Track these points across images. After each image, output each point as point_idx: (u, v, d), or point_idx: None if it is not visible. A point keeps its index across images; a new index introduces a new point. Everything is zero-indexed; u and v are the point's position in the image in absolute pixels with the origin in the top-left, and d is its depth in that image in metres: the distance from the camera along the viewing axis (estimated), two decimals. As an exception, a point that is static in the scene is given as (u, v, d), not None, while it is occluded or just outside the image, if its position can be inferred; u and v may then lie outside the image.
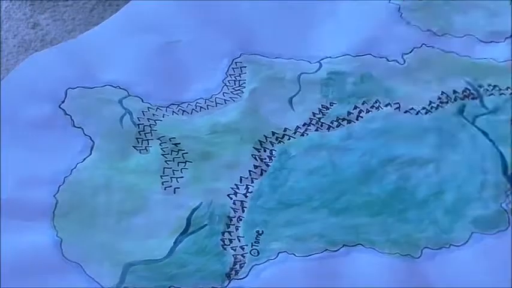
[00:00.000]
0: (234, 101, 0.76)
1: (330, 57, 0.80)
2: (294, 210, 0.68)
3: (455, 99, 0.76)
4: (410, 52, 0.80)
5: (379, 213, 0.67)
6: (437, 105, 0.76)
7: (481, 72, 0.78)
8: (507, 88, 0.76)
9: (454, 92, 0.77)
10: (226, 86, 0.78)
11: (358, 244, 0.66)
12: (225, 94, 0.77)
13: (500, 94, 0.76)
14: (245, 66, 0.79)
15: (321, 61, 0.80)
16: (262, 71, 0.78)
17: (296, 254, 0.65)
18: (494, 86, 0.77)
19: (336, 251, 0.65)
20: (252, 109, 0.75)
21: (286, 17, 0.82)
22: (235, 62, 0.79)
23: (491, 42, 0.81)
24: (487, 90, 0.77)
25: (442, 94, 0.77)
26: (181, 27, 0.82)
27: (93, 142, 0.72)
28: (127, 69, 0.79)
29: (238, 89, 0.77)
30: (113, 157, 0.71)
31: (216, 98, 0.77)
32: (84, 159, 0.71)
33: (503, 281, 0.63)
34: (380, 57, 0.80)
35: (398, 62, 0.79)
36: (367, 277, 0.63)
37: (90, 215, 0.67)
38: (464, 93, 0.76)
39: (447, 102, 0.76)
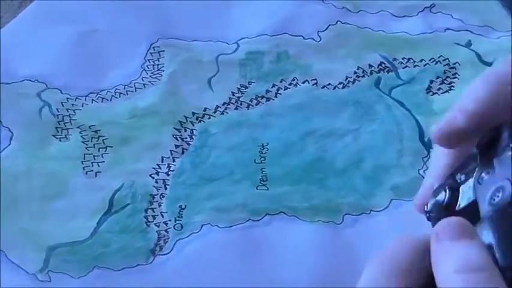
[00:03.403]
0: (153, 84, 0.76)
1: (247, 37, 0.80)
2: (216, 183, 0.68)
3: (371, 73, 0.77)
4: (326, 29, 0.81)
5: (299, 181, 0.68)
6: (354, 79, 0.77)
7: (395, 46, 0.80)
8: (421, 60, 0.78)
9: (370, 66, 0.78)
10: (145, 70, 0.78)
11: (281, 212, 0.66)
12: (144, 79, 0.77)
13: (415, 66, 0.78)
14: (163, 50, 0.79)
15: (238, 42, 0.80)
16: (180, 54, 0.79)
17: (219, 226, 0.65)
18: (409, 59, 0.78)
19: (259, 220, 0.65)
20: (171, 91, 0.76)
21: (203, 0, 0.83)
22: (153, 47, 0.79)
23: (404, 16, 0.82)
24: (402, 63, 0.78)
25: (358, 69, 0.78)
26: (97, 16, 0.82)
27: (12, 133, 0.72)
28: (45, 63, 0.78)
29: (157, 73, 0.77)
30: (33, 146, 0.71)
31: (135, 83, 0.77)
32: (4, 149, 0.71)
33: None
34: (296, 36, 0.81)
35: (314, 40, 0.80)
36: (290, 245, 0.64)
37: (12, 203, 0.67)
38: (380, 66, 0.78)
39: (363, 76, 0.77)
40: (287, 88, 0.76)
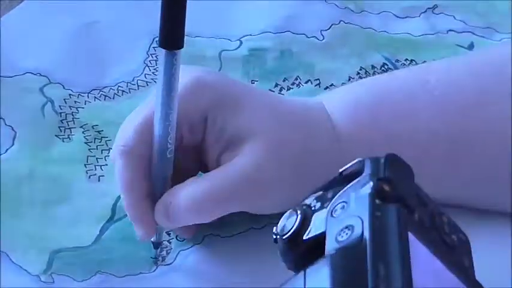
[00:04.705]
0: (156, 82, 0.76)
1: (250, 34, 0.80)
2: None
3: (373, 74, 0.77)
4: (329, 29, 0.81)
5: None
6: (357, 80, 0.77)
7: (398, 47, 0.80)
8: (423, 62, 0.78)
9: (373, 67, 0.78)
10: (148, 66, 0.78)
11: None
12: (146, 76, 0.77)
13: (417, 67, 0.78)
14: (166, 46, 0.79)
15: (241, 39, 0.80)
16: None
17: (221, 235, 0.66)
18: (411, 60, 0.78)
19: (260, 228, 0.66)
20: (174, 89, 0.75)
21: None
22: (156, 41, 0.79)
23: (406, 17, 0.82)
24: (404, 64, 0.78)
25: (361, 69, 0.78)
26: (99, 7, 0.82)
27: (15, 132, 0.72)
28: (46, 55, 0.78)
29: (160, 69, 0.77)
30: (36, 147, 0.71)
31: (138, 80, 0.77)
32: (7, 150, 0.71)
33: None
34: (299, 34, 0.81)
35: (317, 38, 0.80)
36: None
37: (15, 205, 0.67)
38: (383, 68, 0.78)
39: (366, 77, 0.77)
40: (290, 88, 0.76)
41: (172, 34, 0.57)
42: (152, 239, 0.64)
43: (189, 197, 0.60)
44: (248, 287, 0.62)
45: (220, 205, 0.60)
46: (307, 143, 0.62)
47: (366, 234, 0.40)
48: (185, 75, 0.62)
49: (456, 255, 0.46)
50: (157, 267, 0.64)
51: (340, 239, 0.41)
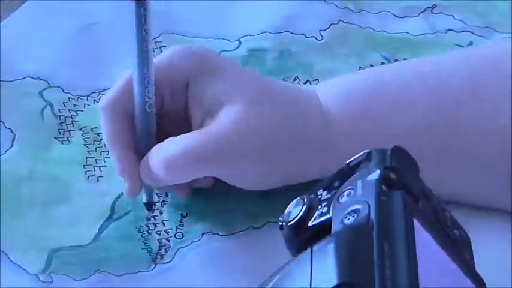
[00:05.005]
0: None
1: (249, 35, 0.80)
2: (217, 189, 0.68)
3: (372, 74, 0.77)
4: (328, 28, 0.81)
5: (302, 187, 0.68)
6: (355, 80, 0.76)
7: (396, 47, 0.79)
8: (422, 60, 0.78)
9: (372, 66, 0.78)
10: (148, 67, 0.77)
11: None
12: (146, 77, 0.77)
13: (416, 67, 0.77)
14: (165, 46, 0.79)
15: (240, 39, 0.80)
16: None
17: (220, 233, 0.65)
18: (410, 60, 0.78)
19: (259, 227, 0.66)
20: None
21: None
22: (155, 42, 0.79)
23: (405, 17, 0.82)
24: (403, 63, 0.78)
25: (359, 69, 0.78)
26: (98, 8, 0.82)
27: (15, 134, 0.72)
28: (46, 59, 0.78)
29: (159, 70, 0.77)
30: (35, 148, 0.71)
31: (137, 81, 0.77)
32: (6, 151, 0.71)
33: None
34: (298, 34, 0.81)
35: (316, 38, 0.80)
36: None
37: (15, 205, 0.67)
38: (382, 68, 0.78)
39: (364, 75, 0.77)
40: (289, 88, 0.76)
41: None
42: (144, 200, 0.65)
43: (162, 155, 0.61)
44: (247, 286, 0.62)
45: (191, 164, 0.61)
46: (292, 124, 0.63)
47: (372, 216, 0.41)
48: (173, 46, 0.64)
49: (458, 249, 0.46)
50: (156, 266, 0.64)
51: (346, 221, 0.42)
